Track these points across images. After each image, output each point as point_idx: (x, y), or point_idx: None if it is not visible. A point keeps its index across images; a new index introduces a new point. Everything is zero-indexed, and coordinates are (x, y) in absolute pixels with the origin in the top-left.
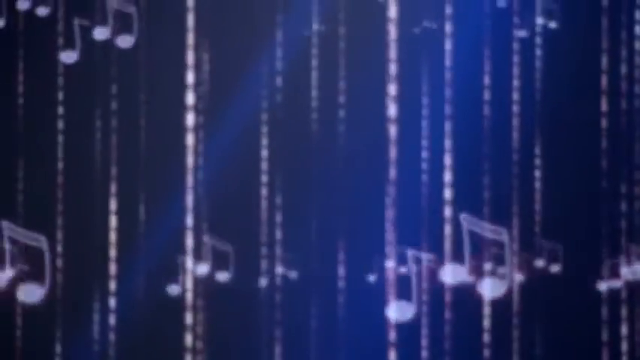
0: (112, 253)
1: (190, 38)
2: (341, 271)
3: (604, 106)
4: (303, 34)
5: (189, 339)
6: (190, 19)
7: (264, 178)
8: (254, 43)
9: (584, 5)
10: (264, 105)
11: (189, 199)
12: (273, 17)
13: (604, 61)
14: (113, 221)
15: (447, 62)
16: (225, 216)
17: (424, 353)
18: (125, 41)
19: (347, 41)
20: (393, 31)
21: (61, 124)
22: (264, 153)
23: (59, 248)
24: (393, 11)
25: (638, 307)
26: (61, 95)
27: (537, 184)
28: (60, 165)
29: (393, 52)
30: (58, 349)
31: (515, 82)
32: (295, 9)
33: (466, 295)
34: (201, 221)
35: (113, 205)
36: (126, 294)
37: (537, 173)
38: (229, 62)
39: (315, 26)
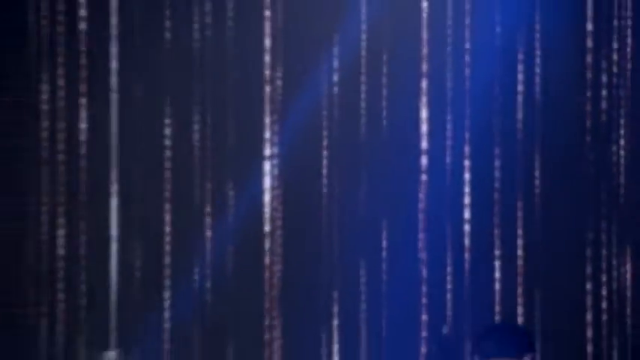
0: (208, 234)
1: (267, 74)
2: (384, 243)
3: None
4: (353, 58)
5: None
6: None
7: (325, 171)
8: (315, 65)
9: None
10: (324, 113)
11: (267, 196)
12: (331, 48)
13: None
14: (208, 208)
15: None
16: (296, 204)
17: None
18: None
19: (389, 70)
20: (424, 70)
21: (167, 132)
22: (325, 152)
23: (168, 228)
24: (424, 51)
25: None
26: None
27: (537, 191)
28: (167, 175)
29: (424, 100)
30: (167, 294)
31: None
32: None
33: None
34: (276, 210)
35: (209, 197)
36: (219, 264)
37: (537, 182)
38: (297, 81)
39: (363, 52)
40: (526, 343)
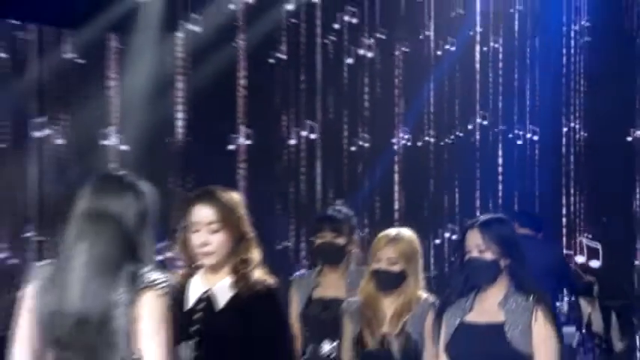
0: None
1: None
2: (456, 192)
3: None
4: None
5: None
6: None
7: (430, 154)
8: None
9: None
10: (428, 118)
11: (396, 175)
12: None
13: None
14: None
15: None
16: (410, 175)
17: None
18: None
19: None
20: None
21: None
22: (432, 156)
23: (345, 189)
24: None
25: None
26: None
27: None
28: (345, 161)
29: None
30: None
31: None
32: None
33: None
34: (401, 181)
35: (366, 174)
36: (369, 206)
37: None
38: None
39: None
40: (541, 224)
